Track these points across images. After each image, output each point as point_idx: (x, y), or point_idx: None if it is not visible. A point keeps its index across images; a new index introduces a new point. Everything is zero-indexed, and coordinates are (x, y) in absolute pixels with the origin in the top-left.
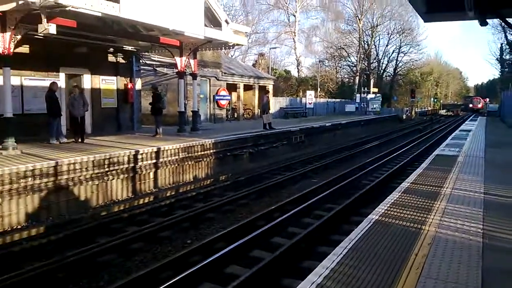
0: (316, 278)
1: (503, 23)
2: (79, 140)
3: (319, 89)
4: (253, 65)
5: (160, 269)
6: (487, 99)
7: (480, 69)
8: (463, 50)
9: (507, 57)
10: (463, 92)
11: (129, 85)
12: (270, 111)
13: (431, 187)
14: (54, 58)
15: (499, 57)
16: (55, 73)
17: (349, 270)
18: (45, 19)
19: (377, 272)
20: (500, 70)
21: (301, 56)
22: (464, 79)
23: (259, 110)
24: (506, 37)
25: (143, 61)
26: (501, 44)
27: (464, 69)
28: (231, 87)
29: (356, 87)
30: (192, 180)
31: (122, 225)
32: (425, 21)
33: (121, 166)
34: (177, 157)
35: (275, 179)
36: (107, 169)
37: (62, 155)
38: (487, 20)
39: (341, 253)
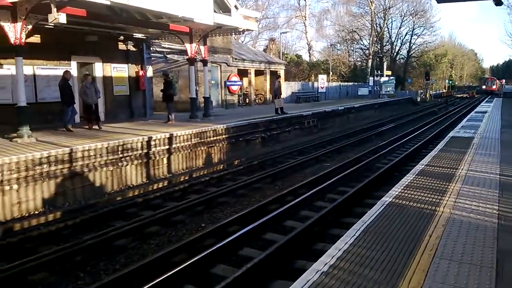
0: (329, 259)
1: None
2: (94, 127)
3: (331, 73)
4: (264, 50)
5: (175, 252)
6: (503, 80)
7: (496, 50)
8: (478, 31)
9: None
10: (478, 73)
11: (140, 73)
12: (282, 96)
13: (446, 169)
14: (65, 47)
15: None
16: (66, 61)
17: (362, 251)
18: (55, 9)
19: (390, 253)
20: None
21: (312, 40)
22: (479, 61)
23: (270, 95)
24: None
25: (154, 48)
26: None
27: (479, 50)
28: (242, 73)
29: (369, 70)
30: (205, 165)
31: (137, 209)
32: (438, 2)
33: (135, 152)
34: (189, 142)
35: (288, 163)
36: (121, 155)
37: (77, 142)
38: (503, 0)
39: (354, 235)
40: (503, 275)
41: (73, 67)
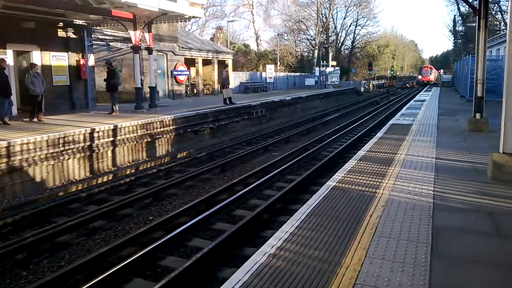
0: (276, 242)
1: None
2: (34, 119)
3: (278, 63)
4: (211, 39)
5: (122, 246)
6: (441, 70)
7: (435, 41)
8: (419, 23)
9: (460, 28)
10: (418, 64)
11: (82, 61)
12: (230, 86)
13: (386, 154)
14: None
15: (452, 28)
16: (1, 50)
17: (308, 233)
18: None
19: (333, 233)
20: (453, 42)
21: (260, 29)
22: (419, 51)
23: (219, 85)
24: (458, 8)
25: (95, 35)
26: (454, 15)
27: (420, 41)
28: (190, 62)
29: (315, 60)
30: (152, 157)
31: (81, 204)
32: None
33: (77, 145)
34: (135, 134)
35: (237, 153)
36: (62, 149)
37: (15, 135)
38: None
39: (300, 218)
40: (437, 250)
41: (9, 56)
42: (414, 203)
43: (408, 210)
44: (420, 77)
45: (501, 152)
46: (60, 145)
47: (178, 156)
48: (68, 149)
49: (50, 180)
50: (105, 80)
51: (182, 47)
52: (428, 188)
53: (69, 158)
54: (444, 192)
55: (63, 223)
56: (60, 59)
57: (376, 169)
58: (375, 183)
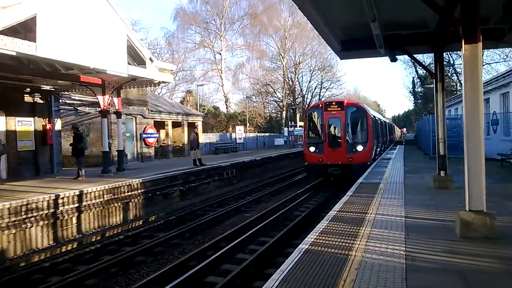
0: None
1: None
2: None
3: (248, 124)
4: (181, 102)
5: None
6: (404, 129)
7: (396, 101)
8: (381, 85)
9: (419, 89)
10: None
11: (48, 126)
12: (199, 147)
13: (357, 214)
14: None
15: (412, 89)
16: None
17: None
18: None
19: None
20: (413, 102)
21: (229, 92)
22: (382, 111)
23: (188, 147)
24: (416, 71)
25: (63, 100)
26: (413, 78)
27: (382, 102)
28: (159, 125)
29: (284, 121)
30: (119, 222)
31: (43, 275)
32: (341, 59)
33: (40, 212)
34: (101, 199)
35: (208, 216)
36: (24, 216)
37: None
38: (397, 57)
39: (272, 285)
40: None
41: None
42: (387, 265)
43: (381, 272)
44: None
45: (467, 209)
46: (23, 213)
47: (147, 221)
48: (31, 217)
49: (11, 249)
50: (71, 144)
51: (152, 110)
52: (399, 248)
53: (32, 226)
54: (415, 252)
55: None
56: (25, 124)
57: (348, 230)
58: (347, 244)
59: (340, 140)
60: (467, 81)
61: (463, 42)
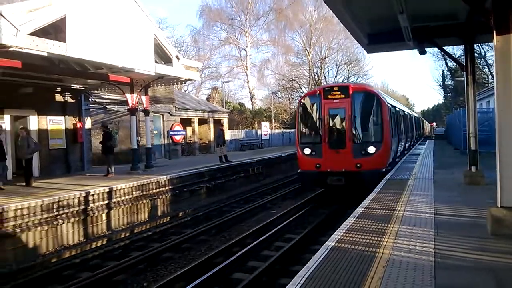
0: None
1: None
2: (25, 183)
3: (273, 120)
4: (207, 99)
5: None
6: (434, 123)
7: (426, 95)
8: (409, 78)
9: (449, 82)
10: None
11: (78, 125)
12: (225, 144)
13: (384, 211)
14: None
15: (441, 83)
16: None
17: None
18: None
19: None
20: (443, 95)
21: (254, 88)
22: (411, 106)
23: (214, 143)
24: (446, 64)
25: (93, 99)
26: (443, 70)
27: (410, 96)
28: (186, 122)
29: None
30: (147, 219)
31: (74, 271)
32: (368, 52)
33: (71, 209)
34: (130, 196)
35: (234, 212)
36: (56, 213)
37: (8, 200)
38: (426, 49)
39: (299, 282)
40: None
41: (6, 121)
42: (415, 263)
43: (409, 270)
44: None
45: (499, 206)
46: (54, 210)
47: (174, 217)
48: (63, 214)
49: (44, 246)
50: (100, 142)
51: (179, 108)
52: (428, 245)
53: (63, 223)
54: (445, 249)
55: None
56: (56, 123)
57: (375, 227)
58: (374, 242)
59: (344, 139)
60: (499, 73)
61: (494, 33)
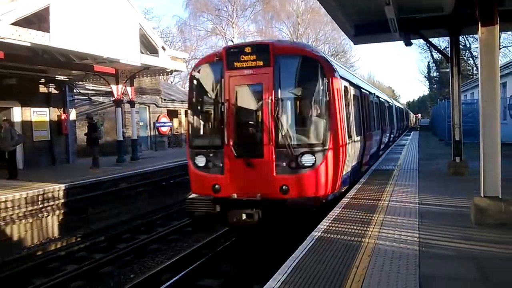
0: None
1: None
2: (9, 176)
3: None
4: None
5: None
6: (419, 114)
7: (412, 87)
8: (396, 70)
9: (434, 74)
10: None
11: (63, 116)
12: None
13: (370, 201)
14: None
15: (427, 74)
16: None
17: None
18: None
19: None
20: (429, 87)
21: None
22: (396, 97)
23: None
24: (432, 55)
25: (77, 90)
26: (428, 62)
27: (396, 87)
28: (172, 113)
29: None
30: (133, 211)
31: (59, 264)
32: (355, 44)
33: (57, 202)
34: (115, 188)
35: None
36: (41, 206)
37: None
38: (412, 41)
39: (285, 272)
40: None
41: None
42: (400, 252)
43: (394, 259)
44: None
45: (483, 196)
46: (39, 202)
47: (161, 209)
48: (47, 206)
49: (28, 238)
50: (85, 134)
51: (165, 99)
52: (413, 235)
53: (48, 215)
54: (429, 239)
55: (40, 284)
56: (41, 115)
57: (361, 216)
58: (360, 231)
59: (261, 141)
60: (483, 65)
61: (479, 24)
